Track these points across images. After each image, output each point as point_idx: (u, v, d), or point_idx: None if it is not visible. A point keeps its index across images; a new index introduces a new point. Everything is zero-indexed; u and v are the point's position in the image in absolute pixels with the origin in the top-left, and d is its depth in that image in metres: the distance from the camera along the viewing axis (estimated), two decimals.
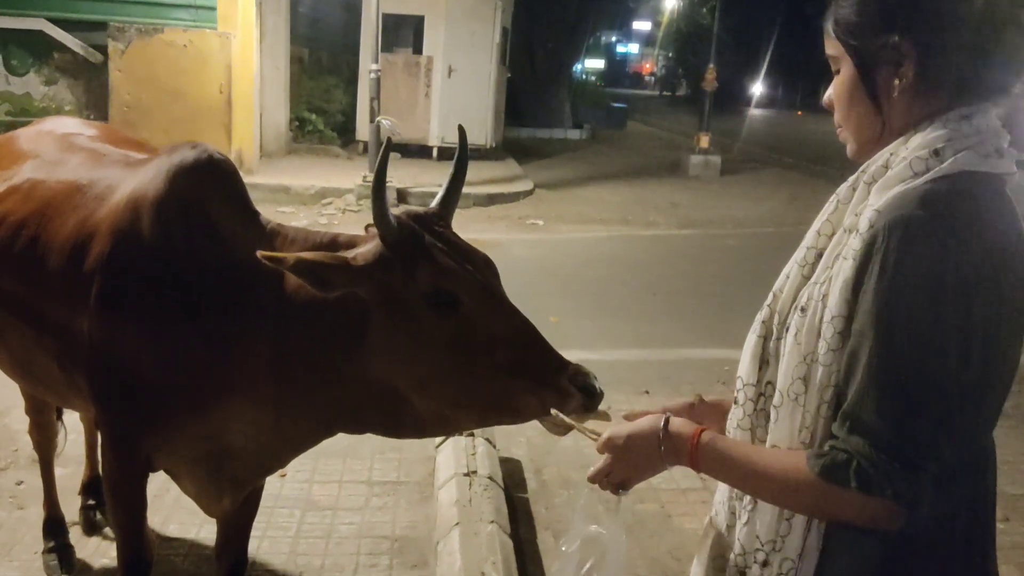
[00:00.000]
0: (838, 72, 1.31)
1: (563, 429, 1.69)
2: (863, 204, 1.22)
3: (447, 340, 1.73)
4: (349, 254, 1.78)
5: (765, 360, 1.32)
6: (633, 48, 59.87)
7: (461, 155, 1.96)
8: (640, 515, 3.39)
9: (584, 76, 31.46)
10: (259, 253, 1.73)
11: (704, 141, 14.92)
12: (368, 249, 1.79)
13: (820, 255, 1.28)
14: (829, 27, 1.31)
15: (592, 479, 1.42)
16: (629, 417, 1.43)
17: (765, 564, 1.29)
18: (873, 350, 1.14)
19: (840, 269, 1.20)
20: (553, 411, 1.63)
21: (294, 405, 1.94)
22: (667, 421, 1.34)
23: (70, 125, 2.74)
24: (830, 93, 1.34)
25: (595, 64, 46.19)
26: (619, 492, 1.42)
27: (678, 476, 3.71)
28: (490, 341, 1.71)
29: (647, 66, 59.37)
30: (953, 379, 1.13)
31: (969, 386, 1.14)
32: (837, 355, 1.20)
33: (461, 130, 1.99)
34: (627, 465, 1.38)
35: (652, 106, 34.02)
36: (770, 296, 1.35)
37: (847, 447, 1.16)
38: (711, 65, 15.28)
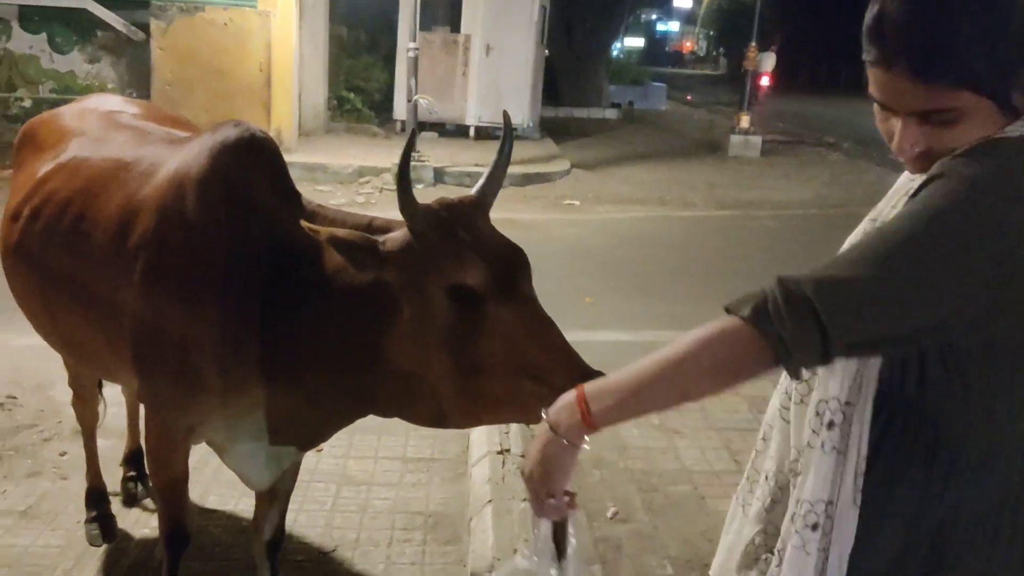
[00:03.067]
0: (942, 121, 1.19)
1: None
2: None
3: (465, 335, 1.70)
4: (380, 238, 1.79)
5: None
6: (673, 26, 59.13)
7: (506, 142, 1.92)
8: (673, 497, 3.39)
9: (623, 55, 31.16)
10: (301, 223, 1.75)
11: (744, 121, 14.72)
12: (397, 236, 1.78)
13: None
14: (930, 77, 1.17)
15: (539, 512, 1.35)
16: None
17: (815, 527, 1.28)
18: (876, 234, 1.15)
19: None
20: None
21: (326, 385, 1.96)
22: (545, 411, 1.31)
23: (113, 103, 2.78)
24: (917, 143, 1.22)
25: (634, 42, 45.70)
26: (563, 507, 1.34)
27: (711, 458, 3.70)
28: (507, 342, 1.67)
29: (687, 44, 58.67)
30: (921, 284, 1.11)
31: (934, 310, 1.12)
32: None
33: (506, 117, 1.98)
34: (543, 475, 1.30)
35: (692, 85, 33.64)
36: None
37: (768, 288, 1.15)
38: (753, 43, 15.03)
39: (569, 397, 1.27)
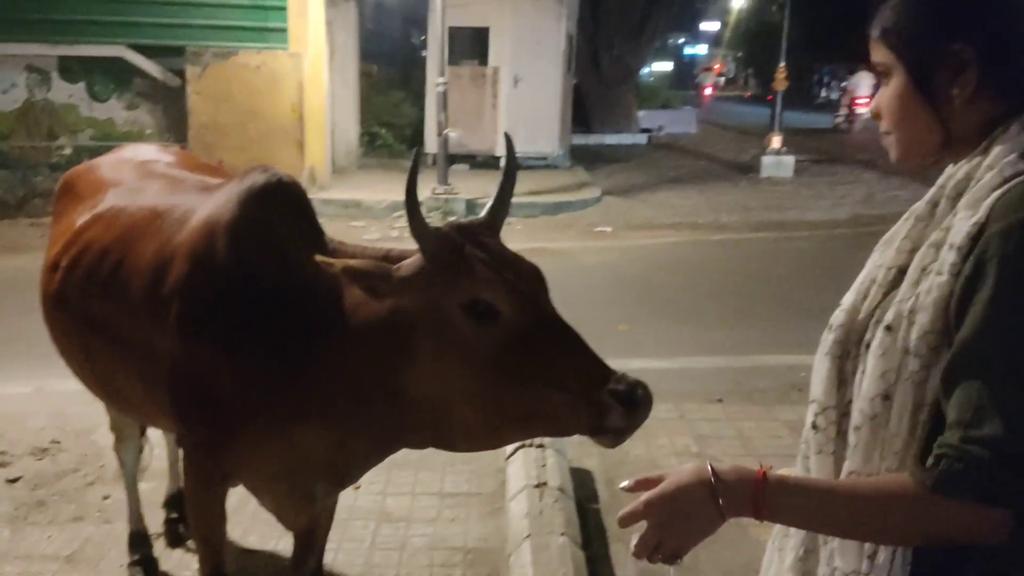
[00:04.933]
0: (887, 80, 1.28)
1: (612, 440, 1.66)
2: (949, 218, 1.20)
3: (486, 351, 1.72)
4: (394, 266, 1.81)
5: (843, 380, 1.28)
6: (701, 49, 59.12)
7: (509, 164, 1.97)
8: None
9: (652, 79, 31.24)
10: (316, 257, 1.78)
11: (776, 141, 14.66)
12: (411, 261, 1.82)
13: (902, 272, 1.24)
14: (876, 35, 1.28)
15: (638, 554, 1.22)
16: (634, 487, 1.26)
17: None
18: (1000, 358, 1.09)
19: (932, 285, 1.16)
20: None
21: (358, 420, 1.97)
22: (714, 467, 1.20)
23: (148, 152, 2.84)
24: (878, 102, 1.31)
25: (663, 67, 45.79)
26: (674, 562, 1.22)
27: None
28: (529, 353, 1.69)
29: (716, 67, 58.59)
30: None
31: None
32: (933, 372, 1.16)
33: (508, 139, 2.03)
34: (676, 529, 1.20)
35: (722, 108, 33.55)
36: (841, 315, 1.31)
37: (964, 456, 1.09)
38: (782, 64, 15.01)
39: (747, 474, 1.19)
